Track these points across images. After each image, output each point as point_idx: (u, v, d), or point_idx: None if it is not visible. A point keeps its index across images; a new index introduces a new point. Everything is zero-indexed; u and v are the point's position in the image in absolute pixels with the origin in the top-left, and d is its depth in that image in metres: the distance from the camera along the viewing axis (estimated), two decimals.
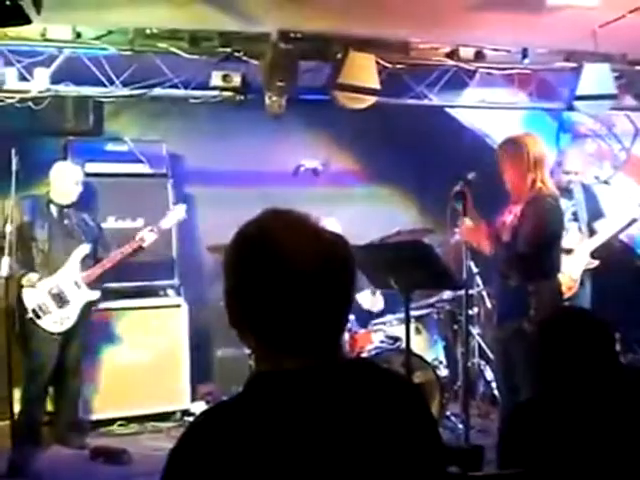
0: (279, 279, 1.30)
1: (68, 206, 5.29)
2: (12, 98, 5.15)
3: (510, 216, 4.55)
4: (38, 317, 5.05)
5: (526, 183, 4.18)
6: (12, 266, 4.79)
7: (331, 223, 5.31)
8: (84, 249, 5.24)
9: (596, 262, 5.46)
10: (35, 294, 5.07)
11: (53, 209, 5.26)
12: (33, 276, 5.06)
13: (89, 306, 5.26)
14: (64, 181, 5.27)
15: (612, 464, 2.02)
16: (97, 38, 5.09)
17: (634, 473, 2.03)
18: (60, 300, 5.12)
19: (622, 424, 2.08)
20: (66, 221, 5.27)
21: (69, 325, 5.13)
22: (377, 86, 5.48)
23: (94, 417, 5.58)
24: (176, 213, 5.52)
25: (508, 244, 4.28)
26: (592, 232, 5.55)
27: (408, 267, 3.97)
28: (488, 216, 4.58)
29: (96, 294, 5.26)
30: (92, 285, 5.22)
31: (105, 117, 6.31)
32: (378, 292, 5.58)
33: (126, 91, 5.43)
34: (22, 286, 5.05)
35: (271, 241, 1.32)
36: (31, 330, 5.06)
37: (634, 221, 5.56)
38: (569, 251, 5.44)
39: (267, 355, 1.34)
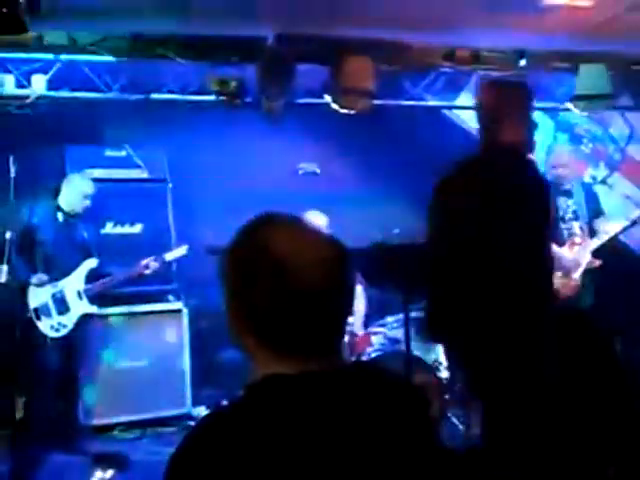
0: (280, 284, 1.31)
1: (74, 215, 5.34)
2: (10, 105, 5.17)
3: None
4: (38, 318, 5.09)
5: None
6: (15, 267, 4.85)
7: (316, 216, 5.33)
8: (92, 262, 5.33)
9: (598, 262, 5.40)
10: (40, 294, 5.13)
11: (60, 216, 5.31)
12: (43, 276, 5.13)
13: (86, 318, 5.32)
14: (73, 192, 5.34)
15: (612, 463, 2.04)
16: (93, 44, 5.11)
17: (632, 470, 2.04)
18: (61, 306, 5.17)
19: (621, 422, 2.09)
20: (71, 229, 5.34)
21: (65, 333, 5.17)
22: (374, 89, 5.49)
23: (95, 422, 5.56)
24: (180, 250, 5.67)
25: None
26: (592, 231, 5.53)
27: (407, 269, 3.98)
28: None
29: (94, 308, 5.34)
30: (92, 299, 5.31)
31: (103, 123, 6.32)
32: None
33: (124, 97, 5.44)
34: (28, 285, 5.09)
35: (271, 245, 1.33)
36: (31, 336, 5.08)
37: (635, 222, 5.53)
38: (570, 250, 5.43)
39: (267, 359, 1.35)
